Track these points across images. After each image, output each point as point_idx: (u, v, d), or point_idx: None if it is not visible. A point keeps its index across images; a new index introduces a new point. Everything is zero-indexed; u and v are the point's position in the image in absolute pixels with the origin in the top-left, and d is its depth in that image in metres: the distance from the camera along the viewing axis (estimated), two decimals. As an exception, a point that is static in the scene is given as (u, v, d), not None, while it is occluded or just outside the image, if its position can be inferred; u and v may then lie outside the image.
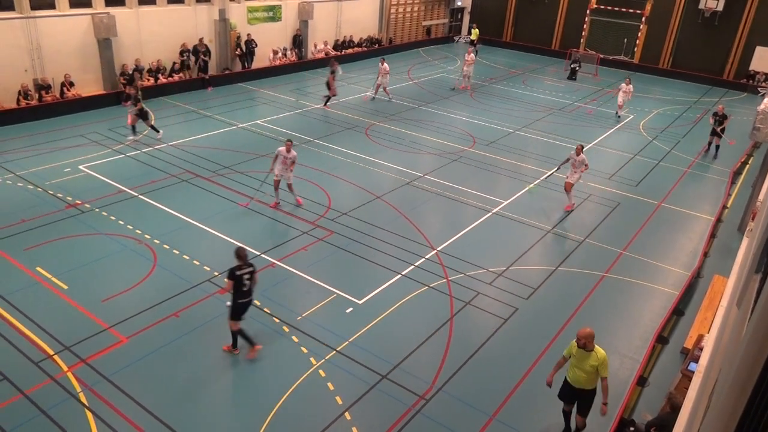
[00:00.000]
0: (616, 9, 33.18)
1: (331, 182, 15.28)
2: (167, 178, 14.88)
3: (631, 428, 7.82)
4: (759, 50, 29.71)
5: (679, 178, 17.67)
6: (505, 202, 14.84)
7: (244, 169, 15.61)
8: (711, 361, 6.49)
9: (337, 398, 8.22)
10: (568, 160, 14.53)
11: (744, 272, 6.58)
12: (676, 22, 31.78)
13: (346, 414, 7.97)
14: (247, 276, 8.48)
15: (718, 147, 19.53)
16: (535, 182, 16.01)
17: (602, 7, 33.67)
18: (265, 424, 7.71)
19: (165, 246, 11.71)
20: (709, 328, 9.07)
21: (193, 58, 23.29)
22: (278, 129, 19.15)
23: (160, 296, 10.13)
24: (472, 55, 25.73)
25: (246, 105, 21.90)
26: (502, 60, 34.01)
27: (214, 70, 24.30)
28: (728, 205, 16.04)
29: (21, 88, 18.48)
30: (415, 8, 35.88)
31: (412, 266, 11.63)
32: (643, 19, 32.66)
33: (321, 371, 8.69)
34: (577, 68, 30.28)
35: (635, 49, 33.50)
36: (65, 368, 8.42)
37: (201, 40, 23.39)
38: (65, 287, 10.23)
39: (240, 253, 8.54)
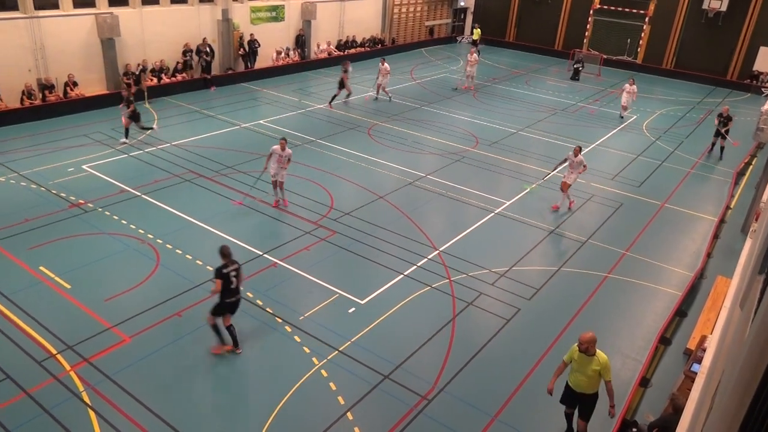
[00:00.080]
0: (620, 9, 33.12)
1: (334, 182, 15.28)
2: (170, 177, 14.91)
3: (634, 429, 7.81)
4: (763, 51, 29.58)
5: (682, 178, 17.63)
6: (508, 203, 14.83)
7: (246, 169, 15.62)
8: (714, 363, 6.48)
9: (340, 398, 8.22)
10: (565, 160, 14.49)
11: (747, 273, 6.56)
12: (680, 22, 31.72)
13: (348, 414, 7.97)
14: (233, 273, 8.52)
15: (722, 148, 19.46)
16: (536, 183, 15.97)
17: (605, 7, 33.62)
18: (267, 424, 7.72)
19: (168, 246, 11.73)
20: (712, 330, 9.06)
21: (196, 58, 23.32)
22: (281, 129, 19.16)
23: (163, 296, 10.14)
24: (475, 55, 25.70)
25: (249, 105, 21.93)
26: (504, 60, 33.98)
27: (217, 70, 24.34)
28: (731, 206, 16.00)
29: (25, 88, 18.53)
30: (418, 8, 35.87)
31: (415, 266, 11.63)
32: (647, 19, 32.60)
33: (323, 371, 8.69)
34: (580, 68, 30.23)
35: (638, 50, 33.44)
36: (68, 367, 8.44)
37: (204, 40, 23.43)
38: (68, 287, 10.26)
39: (224, 251, 8.55)
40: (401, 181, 15.66)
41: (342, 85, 21.88)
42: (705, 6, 30.28)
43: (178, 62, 22.81)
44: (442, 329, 9.85)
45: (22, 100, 18.56)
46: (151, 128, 17.47)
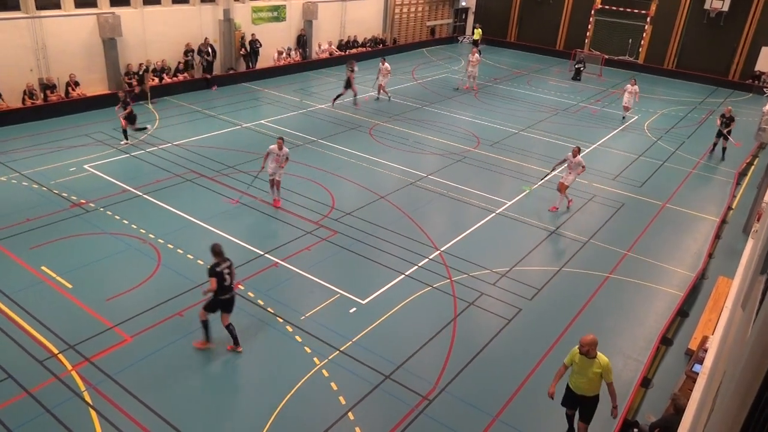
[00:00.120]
0: (621, 9, 33.10)
1: (335, 182, 15.29)
2: (172, 177, 14.92)
3: (635, 430, 7.81)
4: (765, 51, 29.57)
5: (683, 179, 17.61)
6: (509, 203, 14.82)
7: (248, 168, 15.63)
8: (715, 363, 6.48)
9: (341, 398, 8.22)
10: (564, 161, 14.48)
11: (749, 274, 6.55)
12: (681, 22, 31.69)
13: (350, 414, 7.97)
14: (226, 271, 8.58)
15: (724, 149, 19.43)
16: (536, 185, 15.95)
17: (607, 7, 33.60)
18: (268, 424, 7.73)
19: (169, 245, 11.74)
20: (714, 330, 9.05)
21: (197, 58, 23.35)
22: (282, 129, 19.17)
23: (164, 295, 10.15)
24: (477, 55, 25.69)
25: (250, 105, 21.94)
26: (506, 60, 33.97)
27: (218, 70, 24.36)
28: (733, 207, 15.98)
29: (26, 88, 18.55)
30: (420, 8, 35.87)
31: (416, 266, 11.63)
32: (648, 19, 32.57)
33: (324, 371, 8.69)
34: (582, 69, 30.21)
35: (640, 50, 33.42)
36: (69, 367, 8.45)
37: (206, 40, 23.45)
38: (70, 286, 10.27)
39: (216, 249, 8.60)
40: (402, 181, 15.66)
41: (348, 84, 21.85)
42: (707, 6, 30.25)
43: (179, 62, 22.83)
44: (443, 329, 9.85)
45: (23, 99, 18.58)
46: (145, 128, 17.41)
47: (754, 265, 6.18)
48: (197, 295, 10.13)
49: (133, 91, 20.70)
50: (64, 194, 13.61)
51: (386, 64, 22.85)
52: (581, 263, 12.31)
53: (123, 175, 14.81)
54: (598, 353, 7.10)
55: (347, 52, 30.43)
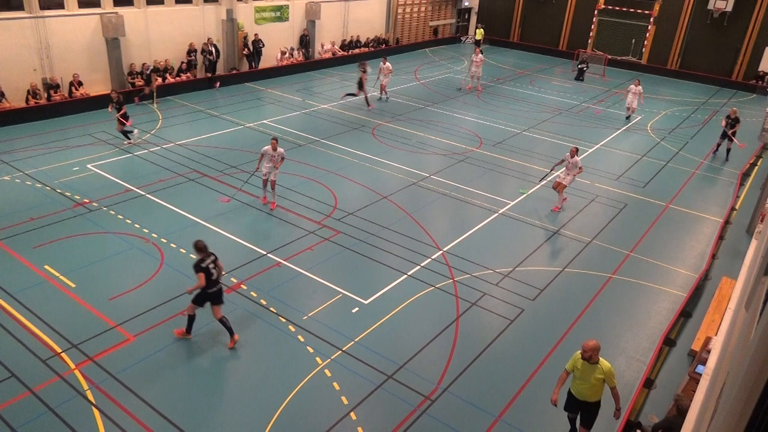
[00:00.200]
0: (624, 9, 33.05)
1: (338, 182, 15.29)
2: (175, 177, 14.95)
3: (638, 430, 7.79)
4: (768, 51, 29.55)
5: (687, 179, 17.58)
6: (512, 203, 14.81)
7: (250, 168, 15.63)
8: (719, 364, 6.46)
9: (343, 398, 8.22)
10: (562, 161, 14.47)
11: (752, 274, 6.54)
12: (685, 22, 31.63)
13: (352, 414, 7.97)
14: (212, 265, 8.68)
15: (729, 150, 19.38)
16: (535, 187, 15.92)
17: (610, 7, 33.55)
18: (270, 423, 7.73)
19: (172, 245, 11.76)
20: (717, 331, 9.03)
21: (201, 58, 23.38)
22: (285, 129, 19.19)
23: (167, 295, 10.17)
24: (481, 55, 25.68)
25: (253, 105, 21.97)
26: (509, 60, 33.95)
27: (221, 70, 24.40)
28: (736, 207, 15.94)
29: (30, 88, 18.61)
30: (423, 8, 35.87)
31: (418, 266, 11.63)
32: (652, 19, 32.52)
33: (327, 371, 8.70)
34: (585, 69, 30.17)
35: (643, 50, 33.36)
36: (72, 366, 8.47)
37: (209, 40, 23.48)
38: (73, 285, 10.29)
39: (199, 246, 8.69)
40: (405, 181, 15.65)
41: (361, 85, 21.88)
42: (710, 6, 30.19)
43: (182, 62, 22.87)
44: (446, 329, 9.85)
45: (27, 99, 18.64)
46: (132, 132, 17.12)
47: (758, 265, 6.16)
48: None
49: (143, 92, 20.78)
50: (68, 194, 13.65)
51: (387, 64, 22.86)
52: (584, 263, 12.29)
53: (126, 175, 14.85)
54: (601, 359, 7.04)
55: (350, 52, 30.45)
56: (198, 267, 8.54)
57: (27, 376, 8.22)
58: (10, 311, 9.53)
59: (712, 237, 13.95)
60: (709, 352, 8.15)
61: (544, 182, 15.83)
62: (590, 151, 19.30)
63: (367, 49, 31.53)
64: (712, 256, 13.05)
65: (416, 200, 14.61)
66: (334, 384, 8.46)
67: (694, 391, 7.23)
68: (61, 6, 19.33)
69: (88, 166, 15.30)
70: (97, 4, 20.17)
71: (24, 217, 12.47)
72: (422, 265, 11.69)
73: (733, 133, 19.04)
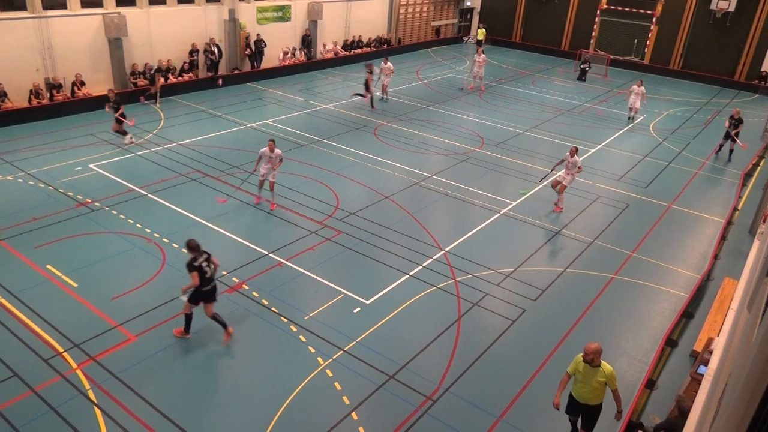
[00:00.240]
0: (627, 9, 33.00)
1: (340, 182, 15.29)
2: (177, 177, 14.96)
3: (640, 431, 7.78)
4: (771, 51, 29.48)
5: (689, 179, 17.55)
6: (514, 203, 14.80)
7: (252, 168, 15.64)
8: (721, 365, 6.45)
9: (344, 398, 8.22)
10: (562, 161, 14.46)
11: (755, 275, 6.53)
12: (687, 22, 31.57)
13: (353, 414, 7.97)
14: (205, 263, 8.71)
15: (731, 151, 19.34)
16: (534, 189, 15.90)
17: (612, 7, 33.51)
18: (272, 423, 7.74)
19: (174, 245, 11.77)
20: (719, 332, 9.01)
21: (203, 57, 23.41)
22: (287, 129, 19.21)
23: (169, 295, 10.17)
24: (483, 55, 25.65)
25: (255, 105, 21.98)
26: (511, 60, 33.93)
27: (223, 70, 24.42)
28: (739, 208, 15.91)
29: (33, 88, 18.65)
30: (425, 8, 35.87)
31: (420, 267, 11.62)
32: (654, 19, 32.46)
33: (328, 371, 8.70)
34: (587, 69, 30.13)
35: (645, 50, 33.31)
36: (74, 365, 8.48)
37: (212, 40, 23.51)
38: (75, 285, 10.31)
39: (191, 245, 8.72)
40: (407, 182, 15.65)
41: (367, 87, 21.91)
42: (713, 6, 30.12)
43: (184, 62, 22.89)
44: (448, 330, 9.84)
45: (30, 99, 18.67)
46: (126, 133, 16.97)
47: (760, 266, 6.15)
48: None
49: (149, 91, 20.82)
50: (70, 193, 13.67)
51: (389, 64, 22.85)
52: (586, 264, 12.28)
53: (128, 175, 14.86)
54: (603, 362, 7.01)
55: (352, 52, 30.46)
56: (191, 266, 8.58)
57: (29, 376, 8.24)
58: (12, 311, 9.54)
59: (715, 237, 13.93)
60: (711, 353, 8.14)
61: (544, 183, 15.80)
62: (592, 151, 19.27)
63: (369, 50, 31.53)
64: (715, 256, 13.02)
65: (418, 200, 14.61)
66: (336, 384, 8.46)
67: (696, 392, 7.21)
68: (64, 6, 19.37)
69: (91, 165, 15.32)
70: (100, 4, 20.21)
71: (26, 216, 12.49)
72: (424, 265, 11.69)
73: (737, 134, 18.99)
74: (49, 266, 10.77)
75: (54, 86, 19.16)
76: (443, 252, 12.25)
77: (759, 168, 19.37)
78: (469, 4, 38.61)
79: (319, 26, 28.57)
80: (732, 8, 29.60)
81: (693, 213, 15.21)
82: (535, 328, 10.08)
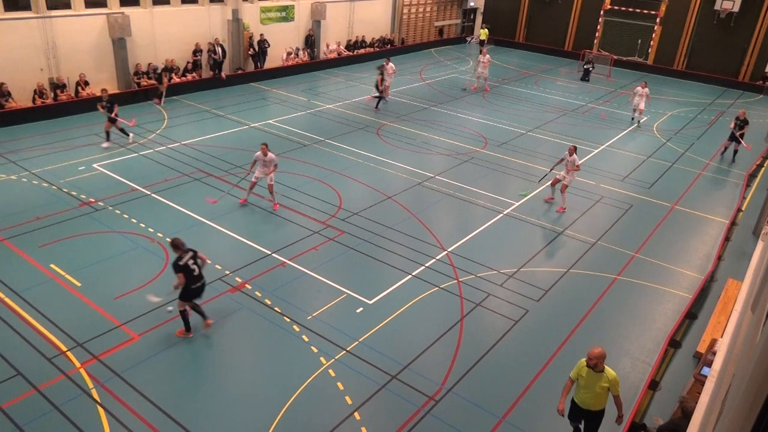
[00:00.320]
0: (630, 10, 32.93)
1: (342, 182, 15.30)
2: (180, 177, 14.99)
3: (642, 432, 7.76)
4: (775, 52, 29.38)
5: (693, 180, 17.50)
6: (516, 204, 14.78)
7: (247, 171, 15.66)
8: (724, 366, 6.43)
9: (347, 398, 8.23)
10: (562, 160, 14.45)
11: (759, 276, 6.51)
12: (691, 23, 31.50)
13: (356, 414, 7.98)
14: (191, 261, 8.76)
15: (736, 152, 19.29)
16: (535, 190, 15.88)
17: (616, 7, 33.44)
18: (274, 423, 7.74)
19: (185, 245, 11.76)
20: (723, 333, 8.99)
21: (206, 56, 23.45)
22: (290, 129, 19.22)
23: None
24: (488, 56, 25.61)
25: (258, 105, 22.01)
26: (514, 61, 33.90)
27: (227, 70, 24.44)
28: (743, 208, 15.86)
29: (37, 87, 18.70)
30: (428, 9, 35.85)
31: (423, 267, 11.62)
32: (658, 20, 32.39)
33: (331, 371, 8.70)
34: (591, 69, 30.08)
35: (649, 51, 33.24)
36: (78, 364, 8.50)
37: (216, 39, 23.55)
38: (78, 284, 10.33)
39: (176, 243, 8.80)
40: (410, 182, 15.65)
41: (377, 87, 21.99)
42: (717, 6, 30.05)
43: (188, 62, 22.93)
44: (450, 330, 9.84)
45: (34, 99, 18.72)
46: (108, 141, 16.86)
47: (764, 267, 6.13)
48: (205, 294, 10.16)
49: (160, 91, 20.88)
50: (74, 193, 13.70)
51: (390, 64, 22.84)
52: (589, 264, 12.26)
53: (132, 174, 14.90)
54: (606, 367, 6.96)
55: (355, 53, 30.46)
56: (176, 266, 8.69)
57: (32, 375, 8.26)
58: (16, 309, 9.58)
59: (718, 238, 13.89)
60: (714, 354, 8.12)
61: (544, 183, 15.76)
62: (596, 151, 19.25)
63: (372, 50, 31.53)
64: (718, 257, 12.99)
65: (421, 200, 14.60)
66: (338, 384, 8.47)
67: (699, 393, 7.18)
68: (68, 6, 19.42)
69: (94, 165, 15.36)
70: (104, 4, 20.26)
71: (30, 216, 12.53)
72: (427, 265, 11.69)
73: (741, 135, 18.93)
74: (52, 265, 10.81)
75: (58, 86, 19.22)
76: (446, 252, 12.24)
77: (763, 169, 19.31)
78: (472, 4, 38.59)
79: (323, 26, 28.59)
80: (736, 8, 29.52)
81: (696, 214, 15.18)
82: (538, 329, 10.07)
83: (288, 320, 9.76)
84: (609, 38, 34.25)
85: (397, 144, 18.50)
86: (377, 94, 22.20)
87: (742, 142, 18.93)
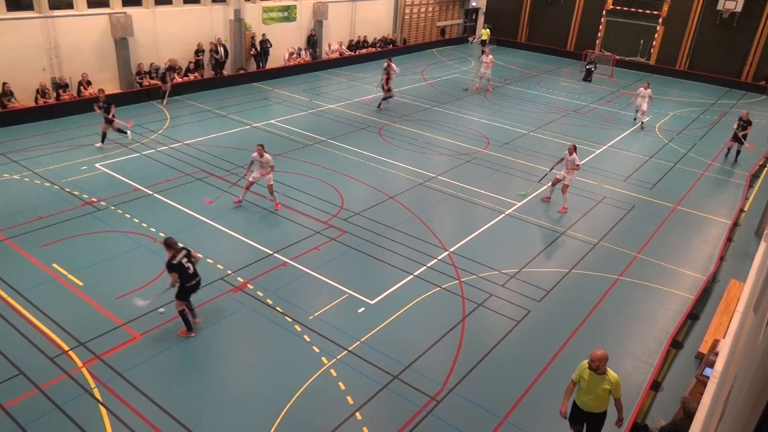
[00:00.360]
0: (633, 10, 32.89)
1: (344, 182, 15.30)
2: (182, 176, 15.00)
3: (644, 433, 7.75)
4: (778, 52, 29.31)
5: (695, 180, 17.48)
6: (518, 204, 14.77)
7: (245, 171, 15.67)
8: (726, 367, 6.41)
9: (348, 398, 8.23)
10: (562, 159, 14.44)
11: (761, 277, 6.49)
12: (694, 23, 31.45)
13: (357, 414, 7.98)
14: (185, 260, 8.81)
15: (738, 152, 19.26)
16: (536, 191, 15.86)
17: (618, 7, 33.40)
18: (276, 423, 7.75)
19: (179, 244, 11.75)
20: (725, 334, 8.96)
21: (208, 56, 23.47)
22: (292, 129, 19.23)
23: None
24: (491, 56, 25.59)
25: (260, 105, 22.02)
26: (516, 61, 33.87)
27: (229, 70, 24.48)
28: (745, 209, 15.83)
29: (39, 87, 18.74)
30: (430, 9, 35.85)
31: (425, 267, 11.61)
32: (660, 20, 32.34)
33: (332, 371, 8.70)
34: (593, 69, 30.04)
35: (652, 51, 33.19)
36: (80, 364, 8.51)
37: (219, 39, 23.57)
38: (81, 284, 10.35)
39: (168, 243, 8.86)
40: (412, 182, 15.65)
41: (383, 86, 22.02)
42: (719, 7, 29.99)
43: (190, 62, 22.95)
44: (452, 330, 9.84)
45: (36, 98, 18.77)
46: (102, 142, 16.76)
47: (767, 268, 6.12)
48: (206, 294, 10.20)
49: (164, 90, 20.92)
50: (76, 192, 13.72)
51: (392, 64, 22.83)
52: (591, 265, 12.24)
53: (134, 174, 14.91)
54: (608, 369, 6.93)
55: (357, 53, 30.47)
56: (170, 266, 8.72)
57: (34, 374, 8.27)
58: (18, 309, 9.59)
59: (721, 239, 13.86)
60: (716, 354, 8.10)
61: (545, 183, 15.75)
62: (598, 152, 19.23)
63: (374, 50, 31.53)
64: (721, 258, 12.97)
65: (423, 200, 14.60)
66: (340, 384, 8.47)
67: (702, 394, 7.17)
68: (71, 6, 19.46)
69: (96, 165, 15.38)
70: (106, 4, 20.29)
71: (32, 215, 12.55)
72: (428, 265, 11.68)
73: (744, 136, 18.90)
74: (54, 265, 10.82)
75: (60, 86, 19.26)
76: (448, 252, 12.24)
77: (766, 169, 19.26)
78: (474, 4, 38.58)
79: (325, 26, 28.60)
80: (739, 8, 29.46)
81: (699, 214, 15.15)
82: (540, 329, 10.06)
83: (290, 320, 9.76)
84: (611, 38, 34.21)
85: (399, 144, 18.50)
86: (384, 94, 22.19)
87: (744, 142, 18.90)
